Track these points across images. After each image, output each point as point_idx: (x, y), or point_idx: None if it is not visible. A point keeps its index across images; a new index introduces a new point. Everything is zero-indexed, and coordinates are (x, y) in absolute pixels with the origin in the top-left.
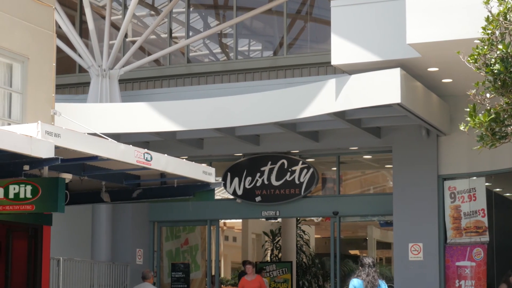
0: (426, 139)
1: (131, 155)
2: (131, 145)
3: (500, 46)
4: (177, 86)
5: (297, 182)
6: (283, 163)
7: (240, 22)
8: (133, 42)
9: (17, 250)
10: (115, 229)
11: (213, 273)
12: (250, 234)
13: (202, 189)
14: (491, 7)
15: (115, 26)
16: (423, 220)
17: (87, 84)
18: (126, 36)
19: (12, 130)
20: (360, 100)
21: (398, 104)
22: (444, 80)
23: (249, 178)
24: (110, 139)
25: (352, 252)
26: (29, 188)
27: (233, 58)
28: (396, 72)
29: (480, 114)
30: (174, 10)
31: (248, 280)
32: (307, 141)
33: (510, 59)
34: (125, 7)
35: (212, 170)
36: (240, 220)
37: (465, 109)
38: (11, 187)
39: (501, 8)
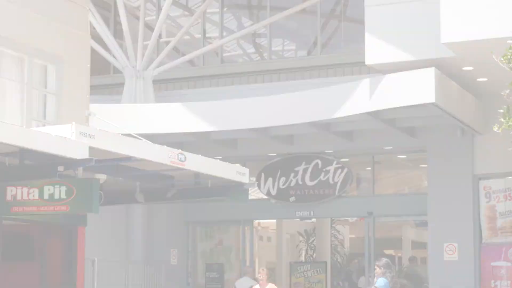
0: (461, 139)
1: (165, 156)
2: (165, 146)
3: None
4: (211, 86)
5: (331, 182)
6: (317, 163)
7: (274, 22)
8: (167, 42)
9: (52, 251)
10: (150, 229)
11: None
12: (285, 234)
13: (236, 189)
14: None
15: (149, 27)
16: (458, 220)
17: (121, 85)
18: (160, 36)
19: (47, 131)
20: (395, 99)
21: (432, 103)
22: (479, 79)
23: (283, 178)
24: (144, 139)
25: (387, 252)
26: (63, 189)
27: (267, 58)
28: (431, 72)
29: None
30: (208, 11)
31: None
32: (341, 141)
33: None
34: (159, 8)
35: (246, 170)
36: (275, 220)
37: (499, 110)
38: (46, 188)
39: None
